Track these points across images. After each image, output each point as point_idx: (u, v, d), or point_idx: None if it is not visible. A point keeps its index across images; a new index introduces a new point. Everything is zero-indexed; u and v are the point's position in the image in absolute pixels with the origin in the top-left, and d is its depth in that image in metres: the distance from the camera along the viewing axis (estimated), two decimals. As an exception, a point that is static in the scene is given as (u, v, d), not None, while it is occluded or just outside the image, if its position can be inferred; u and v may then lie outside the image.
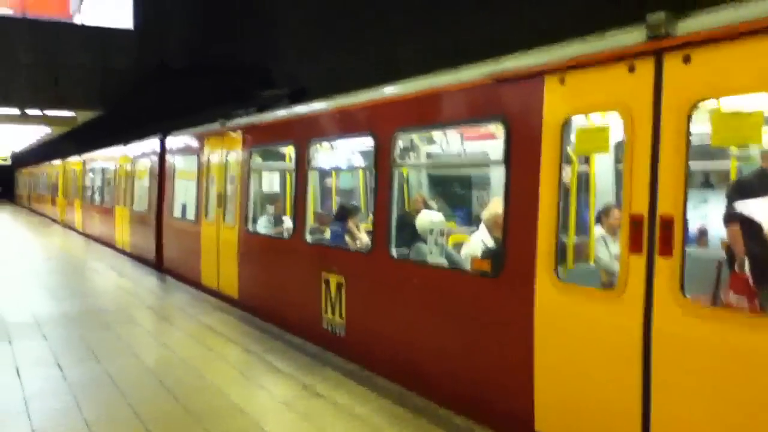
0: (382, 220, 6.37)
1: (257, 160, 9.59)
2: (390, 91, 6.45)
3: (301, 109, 8.22)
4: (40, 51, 17.12)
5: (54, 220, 29.19)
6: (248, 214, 9.33)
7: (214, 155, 10.68)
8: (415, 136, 7.81)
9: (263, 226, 9.53)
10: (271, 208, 9.67)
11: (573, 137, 4.54)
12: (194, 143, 11.75)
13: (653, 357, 3.71)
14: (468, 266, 5.97)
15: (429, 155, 8.56)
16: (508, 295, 4.77)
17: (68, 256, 16.56)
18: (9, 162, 35.54)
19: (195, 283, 11.09)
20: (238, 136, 9.73)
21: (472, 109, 5.43)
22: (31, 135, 29.74)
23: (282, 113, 8.73)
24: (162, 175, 13.41)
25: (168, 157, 13.20)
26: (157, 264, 13.47)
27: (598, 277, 5.46)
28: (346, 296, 6.79)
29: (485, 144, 7.53)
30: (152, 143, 14.25)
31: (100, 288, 11.42)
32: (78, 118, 20.05)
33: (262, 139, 9.27)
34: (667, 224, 3.64)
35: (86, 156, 22.53)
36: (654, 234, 3.72)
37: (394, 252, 6.23)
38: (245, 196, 9.37)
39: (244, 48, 15.13)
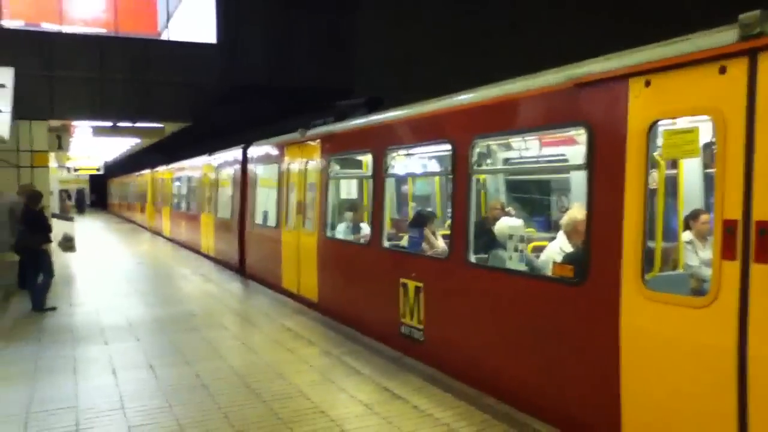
0: (460, 226, 6.37)
1: (335, 168, 9.76)
2: (468, 98, 6.44)
3: (378, 117, 8.35)
4: (132, 67, 18.01)
5: (143, 227, 30.46)
6: (327, 221, 9.52)
7: (294, 164, 10.97)
8: (493, 143, 7.75)
9: (341, 232, 9.68)
10: (349, 215, 9.85)
11: (660, 141, 4.41)
12: (275, 153, 12.11)
13: (749, 370, 3.55)
14: (549, 272, 5.86)
15: (507, 161, 8.48)
16: (592, 302, 4.66)
17: (157, 261, 17.27)
18: (102, 172, 37.41)
19: (276, 288, 11.41)
20: (316, 145, 9.96)
21: (553, 114, 5.36)
22: (121, 146, 31.19)
23: (360, 122, 8.87)
24: (244, 184, 13.89)
25: (250, 167, 13.62)
26: (240, 269, 13.89)
27: (686, 285, 5.27)
28: (424, 301, 6.83)
29: (565, 149, 7.42)
30: (235, 153, 14.77)
31: (187, 292, 11.86)
32: (165, 128, 20.91)
33: (340, 148, 9.42)
34: (764, 230, 3.50)
35: (173, 166, 23.55)
36: (749, 240, 3.58)
37: (472, 258, 6.23)
38: (324, 203, 9.58)
39: (322, 66, 15.52)
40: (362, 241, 9.10)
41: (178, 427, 5.04)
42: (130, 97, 18.04)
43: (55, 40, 17.77)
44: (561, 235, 6.32)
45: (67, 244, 12.31)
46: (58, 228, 13.23)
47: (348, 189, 10.90)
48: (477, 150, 6.30)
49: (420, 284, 6.91)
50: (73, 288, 12.29)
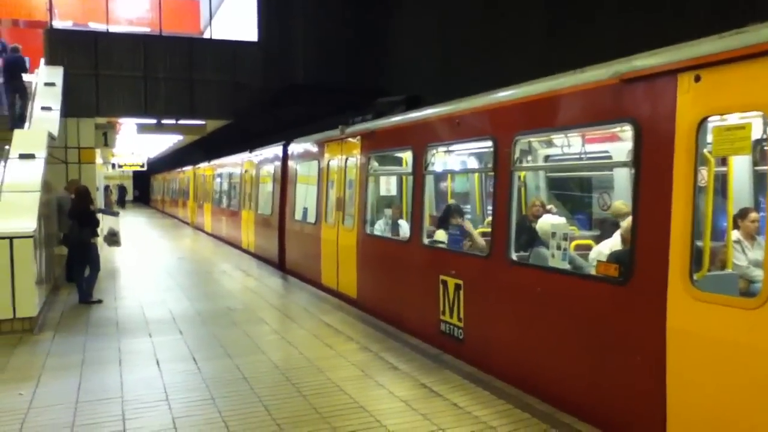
0: (501, 224, 6.31)
1: (375, 164, 9.80)
2: (510, 94, 6.38)
3: (419, 114, 8.32)
4: (176, 65, 18.36)
5: (185, 223, 30.96)
6: (366, 218, 9.55)
7: (334, 161, 11.04)
8: (535, 140, 7.67)
9: (381, 229, 9.70)
10: (388, 212, 9.85)
11: (709, 138, 4.30)
12: (315, 150, 12.19)
13: None
14: (592, 271, 5.78)
15: (549, 158, 8.39)
16: (637, 302, 4.57)
17: (199, 256, 17.56)
18: (145, 168, 38.19)
19: (315, 284, 11.48)
20: (356, 141, 10.01)
21: (597, 111, 5.28)
22: (163, 143, 31.81)
23: (400, 119, 8.86)
24: (284, 181, 14.05)
25: (290, 163, 13.74)
26: (280, 265, 14.05)
27: (736, 285, 5.14)
28: (464, 299, 6.79)
29: (608, 146, 7.30)
30: (275, 150, 14.95)
31: (228, 287, 12.03)
32: (207, 126, 21.24)
33: (380, 145, 9.45)
34: None
35: (214, 162, 23.88)
36: None
37: (513, 255, 6.17)
38: (363, 199, 9.61)
39: (360, 66, 15.59)
40: (402, 237, 9.08)
41: (221, 420, 5.12)
42: (174, 95, 18.40)
43: (102, 39, 18.20)
44: (617, 236, 6.19)
45: (113, 238, 12.55)
46: (104, 223, 13.50)
47: (387, 186, 10.90)
48: (519, 147, 6.22)
49: (460, 282, 6.87)
50: (117, 282, 12.59)
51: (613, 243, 6.17)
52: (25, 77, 14.77)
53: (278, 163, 14.53)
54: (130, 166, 36.98)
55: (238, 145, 20.91)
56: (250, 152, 17.75)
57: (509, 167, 6.17)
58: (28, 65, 15.64)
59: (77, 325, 8.67)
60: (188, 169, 30.94)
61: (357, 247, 9.73)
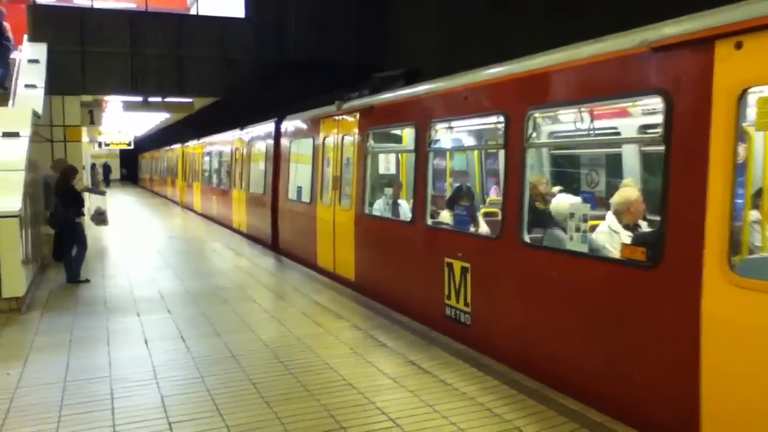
0: (513, 204, 5.92)
1: (374, 142, 9.38)
2: (525, 65, 5.94)
3: (423, 88, 7.94)
4: (163, 42, 18.13)
5: (174, 202, 30.71)
6: (365, 197, 9.20)
7: (330, 138, 10.68)
8: (551, 114, 7.09)
9: (380, 209, 9.39)
10: (389, 191, 9.46)
11: (752, 110, 3.99)
12: (309, 126, 11.82)
13: None
14: (614, 254, 5.39)
15: (563, 134, 7.80)
16: (667, 287, 4.28)
17: (189, 236, 17.50)
18: (132, 147, 37.85)
19: (311, 265, 11.22)
20: (354, 118, 9.65)
21: (623, 82, 4.88)
22: (150, 121, 31.54)
23: (401, 93, 8.49)
24: (277, 159, 13.66)
25: (283, 141, 13.40)
26: (273, 245, 13.78)
27: None
28: (471, 283, 6.50)
29: (620, 122, 7.01)
30: (268, 127, 14.58)
31: (218, 266, 12.01)
32: (195, 104, 21.07)
33: (380, 121, 9.05)
34: None
35: (204, 140, 23.38)
36: None
37: (526, 237, 5.83)
38: (362, 178, 9.26)
39: (353, 42, 15.33)
40: (403, 218, 8.81)
41: (210, 398, 5.13)
42: (162, 73, 18.21)
43: (87, 15, 17.92)
44: (609, 215, 6.01)
45: (100, 217, 12.47)
46: (91, 202, 13.41)
47: (387, 164, 10.44)
48: (534, 122, 5.84)
49: (467, 265, 6.57)
50: (106, 261, 12.53)
51: (609, 222, 5.99)
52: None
53: (270, 141, 14.20)
54: (117, 144, 36.63)
55: (227, 122, 20.67)
56: (241, 129, 17.40)
57: (522, 143, 5.81)
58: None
59: (65, 305, 8.63)
60: (177, 147, 30.58)
61: (355, 228, 9.40)
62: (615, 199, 6.10)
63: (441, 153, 9.51)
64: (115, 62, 17.79)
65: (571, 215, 5.65)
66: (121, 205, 28.00)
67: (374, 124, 9.12)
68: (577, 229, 5.60)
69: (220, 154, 20.38)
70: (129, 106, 20.45)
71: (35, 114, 11.47)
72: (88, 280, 10.19)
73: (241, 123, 17.48)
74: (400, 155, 10.55)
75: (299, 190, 12.30)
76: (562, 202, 6.60)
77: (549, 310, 5.45)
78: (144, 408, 4.95)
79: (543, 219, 6.67)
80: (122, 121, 28.98)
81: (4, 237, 8.03)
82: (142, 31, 17.98)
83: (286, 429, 4.54)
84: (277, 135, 13.76)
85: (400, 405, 4.98)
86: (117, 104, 21.09)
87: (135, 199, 34.25)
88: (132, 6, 20.73)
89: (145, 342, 6.80)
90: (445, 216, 7.93)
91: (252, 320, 7.68)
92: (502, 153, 6.80)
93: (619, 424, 4.54)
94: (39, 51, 15.31)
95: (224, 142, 19.72)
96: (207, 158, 22.76)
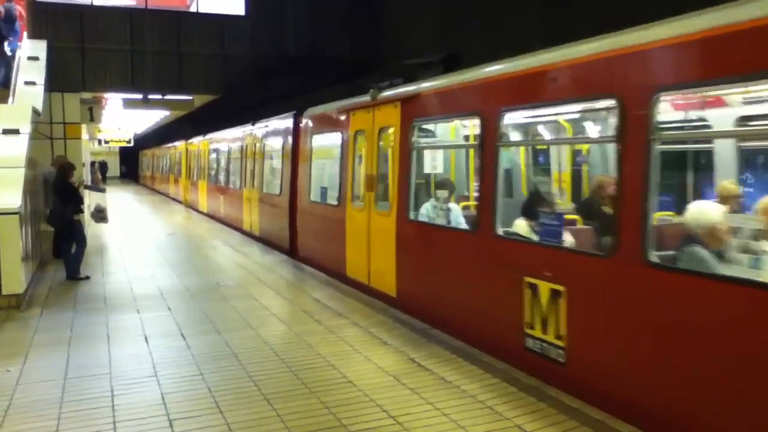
0: (633, 212, 4.66)
1: (421, 135, 8.23)
2: (651, 34, 4.69)
3: (491, 69, 6.59)
4: (163, 39, 18.11)
5: (177, 201, 30.21)
6: (409, 200, 7.99)
7: (363, 132, 9.42)
8: (690, 96, 5.63)
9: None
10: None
11: None
12: (336, 120, 10.44)
13: None
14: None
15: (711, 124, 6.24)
16: None
17: (192, 235, 17.44)
18: (132, 144, 37.81)
19: (337, 275, 9.91)
20: (395, 108, 8.35)
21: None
22: (150, 119, 31.50)
23: (460, 78, 7.19)
24: (296, 156, 12.53)
25: (302, 137, 12.20)
26: (291, 250, 12.62)
27: None
28: (567, 311, 5.24)
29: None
30: (284, 122, 13.48)
31: (217, 264, 11.99)
32: (194, 101, 21.05)
33: (428, 111, 7.86)
34: None
35: (210, 136, 22.22)
36: None
37: (653, 256, 4.54)
38: (405, 178, 8.03)
39: (351, 37, 15.25)
40: (465, 226, 7.52)
41: (210, 395, 5.13)
42: (161, 70, 18.19)
43: (87, 12, 17.89)
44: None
45: (100, 215, 12.47)
46: (91, 199, 13.41)
47: (434, 162, 8.79)
48: (662, 107, 4.65)
49: (560, 288, 5.30)
50: (105, 258, 12.52)
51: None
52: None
53: (288, 137, 13.00)
54: (117, 141, 36.60)
55: (230, 119, 20.59)
56: (253, 125, 16.22)
57: (646, 135, 4.54)
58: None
59: (65, 302, 8.63)
60: (180, 143, 29.73)
61: (397, 236, 8.12)
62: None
63: (514, 147, 8.30)
64: (114, 59, 17.77)
65: (731, 230, 4.58)
66: (121, 203, 27.96)
67: (420, 114, 7.92)
68: (745, 249, 4.51)
69: (229, 151, 19.22)
70: (129, 104, 20.41)
71: (35, 111, 11.45)
72: (88, 277, 10.19)
73: (247, 119, 16.66)
74: (463, 151, 9.25)
75: (323, 191, 11.13)
76: (709, 210, 5.05)
77: (693, 354, 4.22)
78: (144, 405, 4.94)
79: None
80: (122, 118, 28.91)
81: (4, 234, 8.02)
82: (141, 28, 17.96)
83: (287, 426, 4.54)
84: (296, 130, 12.58)
85: (400, 402, 4.97)
86: (117, 102, 21.05)
87: (135, 197, 34.18)
88: (132, 3, 20.68)
89: (145, 339, 6.80)
90: (521, 226, 6.53)
91: (252, 317, 7.67)
92: (612, 147, 5.49)
93: (619, 421, 4.54)
94: (39, 48, 15.28)
95: (234, 138, 18.51)
96: (214, 155, 21.66)
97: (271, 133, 14.61)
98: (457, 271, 6.94)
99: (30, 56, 14.61)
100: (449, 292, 7.06)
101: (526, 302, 5.66)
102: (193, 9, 21.39)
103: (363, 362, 5.97)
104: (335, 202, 10.28)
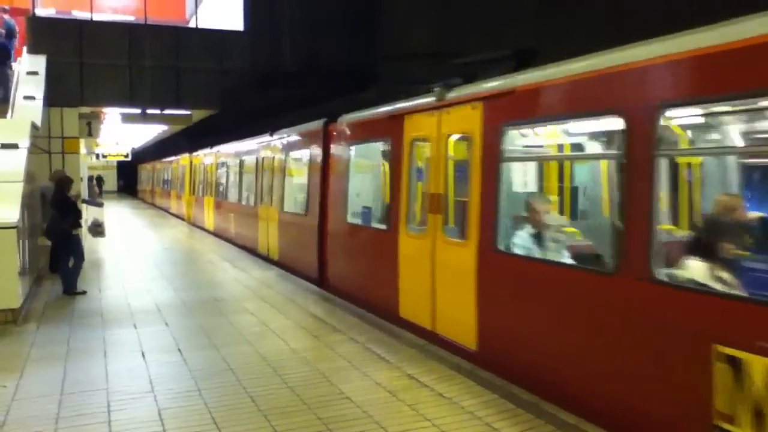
0: None
1: (515, 142, 6.59)
2: None
3: (644, 51, 4.78)
4: (162, 54, 18.20)
5: (179, 217, 28.18)
6: (498, 225, 6.29)
7: (421, 140, 7.94)
8: None
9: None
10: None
11: None
12: (383, 126, 8.87)
13: None
14: None
15: None
16: None
17: (196, 253, 17.39)
18: (129, 158, 37.81)
19: (386, 314, 8.21)
20: (473, 110, 6.73)
21: None
22: (148, 133, 31.57)
23: (587, 63, 5.35)
24: (326, 169, 10.87)
25: (335, 147, 10.64)
26: (320, 279, 10.91)
27: None
28: None
29: None
30: (311, 131, 11.79)
31: (215, 279, 11.96)
32: (193, 116, 21.12)
33: (528, 112, 6.14)
34: None
35: (219, 149, 20.53)
36: None
37: None
38: (490, 198, 6.33)
39: (348, 49, 15.34)
40: (592, 265, 5.76)
41: (207, 411, 5.11)
42: (160, 85, 18.24)
43: (86, 27, 17.99)
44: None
45: (97, 229, 12.49)
46: (88, 213, 13.40)
47: (524, 177, 7.14)
48: None
49: None
50: (102, 272, 12.50)
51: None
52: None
53: (317, 148, 11.31)
54: (115, 156, 36.59)
55: (230, 133, 20.52)
56: (271, 135, 14.58)
57: None
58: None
59: (61, 316, 8.60)
60: (184, 156, 27.74)
61: (479, 272, 6.43)
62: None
63: (683, 159, 6.27)
64: (112, 74, 17.82)
65: None
66: (119, 219, 27.90)
67: (515, 116, 6.24)
68: None
69: (241, 164, 17.45)
70: (127, 118, 20.49)
71: (34, 126, 11.48)
72: (84, 292, 10.16)
73: (271, 128, 15.20)
74: (594, 164, 7.48)
75: (366, 212, 9.75)
76: None
77: None
78: (141, 421, 4.92)
79: None
80: (120, 133, 28.95)
81: (1, 248, 8.01)
82: (139, 43, 18.04)
83: (284, 442, 4.53)
84: (327, 139, 10.93)
85: (398, 418, 4.96)
86: (115, 116, 21.13)
87: (133, 212, 34.08)
88: (131, 18, 20.81)
89: (142, 354, 6.78)
90: (697, 270, 4.79)
91: (249, 333, 7.65)
92: None
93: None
94: (38, 63, 15.34)
95: (247, 150, 16.81)
96: (223, 169, 19.94)
97: (293, 143, 12.99)
98: (588, 327, 5.13)
99: (29, 71, 14.67)
100: (571, 354, 5.29)
101: (717, 381, 3.97)
102: (192, 24, 21.57)
103: (361, 378, 5.95)
104: (383, 225, 8.91)
